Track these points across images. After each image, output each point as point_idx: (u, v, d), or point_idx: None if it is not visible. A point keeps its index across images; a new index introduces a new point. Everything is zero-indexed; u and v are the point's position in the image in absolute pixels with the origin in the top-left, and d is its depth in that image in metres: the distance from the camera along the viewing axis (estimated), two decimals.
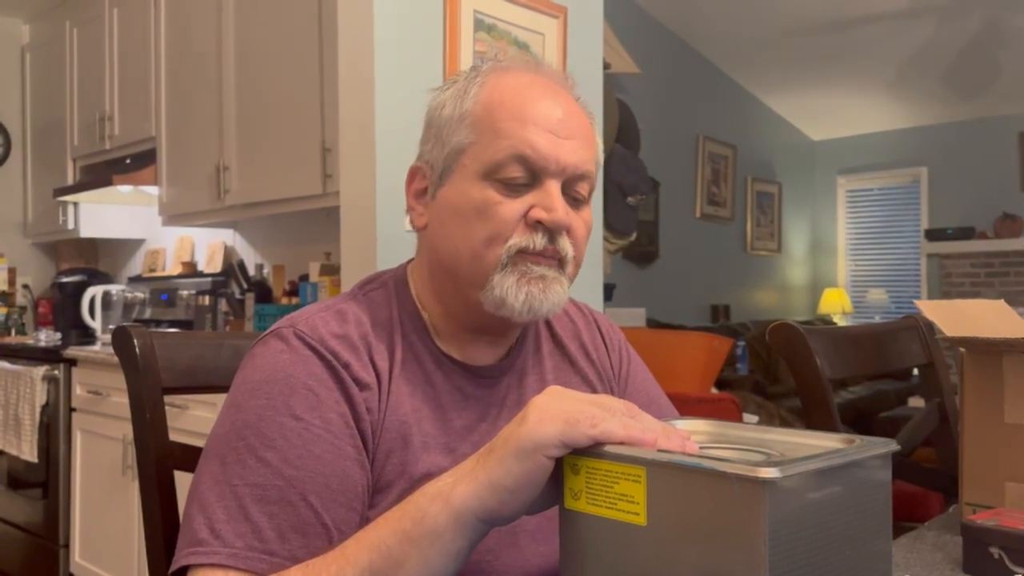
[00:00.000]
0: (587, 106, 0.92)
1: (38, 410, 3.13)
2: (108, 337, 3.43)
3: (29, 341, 3.67)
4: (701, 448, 0.66)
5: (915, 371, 1.94)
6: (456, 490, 0.68)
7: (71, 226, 3.99)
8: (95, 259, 4.49)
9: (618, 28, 4.37)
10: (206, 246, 3.77)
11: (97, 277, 4.13)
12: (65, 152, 4.03)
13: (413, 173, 0.93)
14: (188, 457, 0.99)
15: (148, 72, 3.45)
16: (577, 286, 0.91)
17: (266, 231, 3.46)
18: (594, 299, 2.59)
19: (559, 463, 0.66)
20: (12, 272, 4.25)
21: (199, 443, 0.92)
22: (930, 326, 1.53)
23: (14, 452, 3.22)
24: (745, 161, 6.81)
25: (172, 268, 3.93)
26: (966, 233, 6.48)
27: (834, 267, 7.62)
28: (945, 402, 1.49)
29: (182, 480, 0.90)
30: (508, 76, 0.89)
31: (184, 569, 0.76)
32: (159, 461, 0.98)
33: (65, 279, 4.12)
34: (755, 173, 6.96)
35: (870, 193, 7.44)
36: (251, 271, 3.41)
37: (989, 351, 1.04)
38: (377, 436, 0.83)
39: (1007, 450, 1.03)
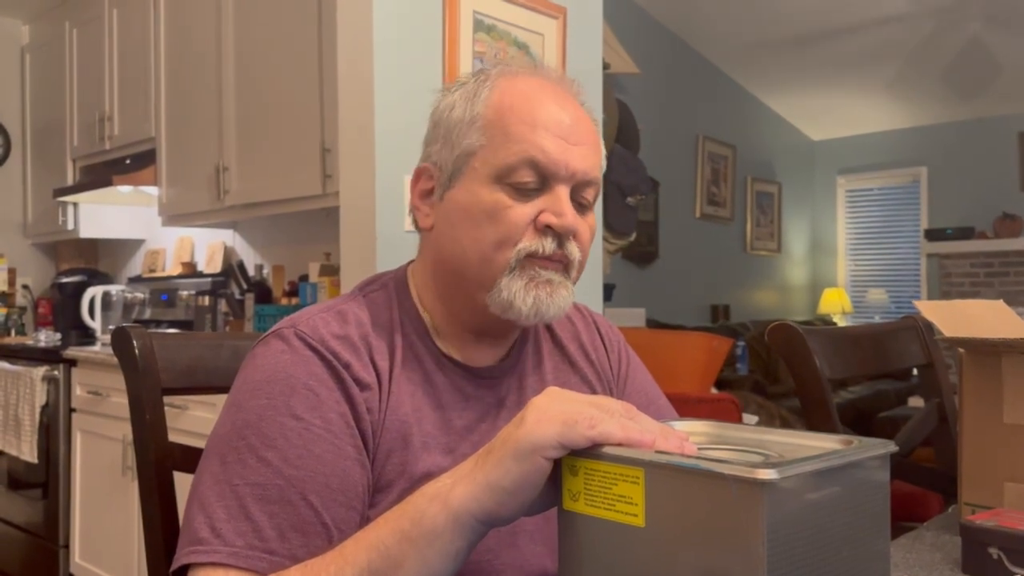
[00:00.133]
0: (592, 111, 0.93)
1: (38, 410, 3.13)
2: (108, 337, 3.42)
3: (29, 341, 3.67)
4: (699, 449, 0.66)
5: (914, 371, 1.94)
6: (455, 491, 0.68)
7: (71, 226, 3.98)
8: (95, 259, 4.49)
9: (618, 28, 4.37)
10: (206, 246, 3.77)
11: (97, 277, 4.12)
12: (65, 152, 4.03)
13: (419, 174, 0.93)
14: (188, 458, 0.99)
15: (148, 72, 3.45)
16: (577, 286, 0.92)
17: (266, 231, 3.46)
18: (594, 299, 2.59)
19: (558, 464, 0.66)
20: (12, 272, 4.25)
21: (199, 444, 0.92)
22: (929, 326, 1.53)
23: (14, 452, 3.22)
24: (745, 161, 6.80)
25: (172, 268, 3.93)
26: (966, 233, 6.47)
27: (834, 267, 7.61)
28: (944, 402, 1.49)
29: (182, 481, 0.90)
30: (518, 80, 0.89)
31: (185, 568, 0.76)
32: (159, 462, 0.98)
33: (65, 279, 4.12)
34: (755, 173, 6.96)
35: (870, 193, 7.44)
36: (251, 271, 3.41)
37: (988, 351, 1.05)
38: (377, 436, 0.84)
39: (1006, 450, 1.03)
